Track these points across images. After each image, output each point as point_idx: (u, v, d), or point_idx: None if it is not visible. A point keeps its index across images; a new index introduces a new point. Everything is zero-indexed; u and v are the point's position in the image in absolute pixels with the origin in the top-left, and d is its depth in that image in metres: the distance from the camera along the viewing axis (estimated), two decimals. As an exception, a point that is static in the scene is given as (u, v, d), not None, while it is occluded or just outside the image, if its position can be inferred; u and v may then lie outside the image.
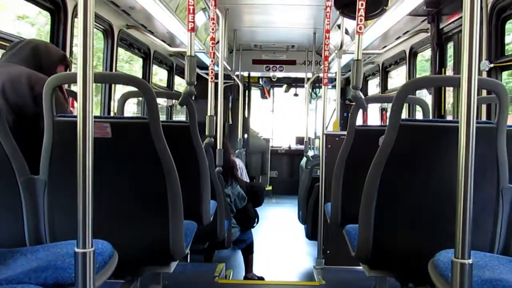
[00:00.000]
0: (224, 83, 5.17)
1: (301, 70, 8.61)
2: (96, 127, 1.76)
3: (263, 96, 10.31)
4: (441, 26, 4.37)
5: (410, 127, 1.91)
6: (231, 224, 3.78)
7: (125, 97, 2.82)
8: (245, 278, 4.38)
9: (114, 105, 4.58)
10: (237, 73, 8.18)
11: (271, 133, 10.40)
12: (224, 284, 3.56)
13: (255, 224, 4.41)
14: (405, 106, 3.52)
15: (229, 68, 7.71)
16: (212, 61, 3.75)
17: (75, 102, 2.95)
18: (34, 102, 2.27)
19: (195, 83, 2.70)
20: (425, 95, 4.86)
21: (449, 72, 4.41)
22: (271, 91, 10.44)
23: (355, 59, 2.68)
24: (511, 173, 1.86)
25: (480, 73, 3.40)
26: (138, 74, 5.85)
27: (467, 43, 1.25)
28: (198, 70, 4.74)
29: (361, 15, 2.77)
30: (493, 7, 3.41)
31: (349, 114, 2.65)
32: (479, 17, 1.26)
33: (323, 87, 4.10)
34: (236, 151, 7.19)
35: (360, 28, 2.73)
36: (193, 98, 2.73)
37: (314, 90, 8.74)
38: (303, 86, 8.87)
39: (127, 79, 2.19)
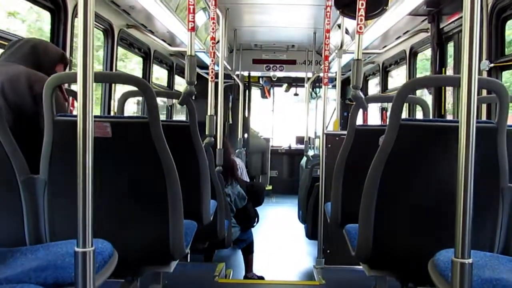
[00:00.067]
0: (224, 82, 5.17)
1: (301, 70, 8.61)
2: (96, 126, 1.76)
3: (263, 95, 10.31)
4: (441, 26, 4.37)
5: (410, 127, 1.91)
6: (231, 224, 3.78)
7: (125, 97, 2.82)
8: (245, 277, 4.38)
9: (114, 105, 4.58)
10: (237, 72, 8.18)
11: (271, 132, 10.39)
12: (224, 283, 3.56)
13: (255, 224, 4.41)
14: (405, 105, 3.52)
15: (229, 68, 7.71)
16: (212, 60, 3.75)
17: (75, 101, 2.95)
18: (34, 101, 2.27)
19: (195, 82, 2.70)
20: (425, 95, 4.86)
21: (450, 71, 4.41)
22: (271, 90, 10.44)
23: (355, 59, 2.68)
24: (511, 173, 1.86)
25: (480, 73, 3.40)
26: (133, 71, 5.85)
27: (467, 43, 1.25)
28: (198, 70, 4.73)
29: (361, 15, 2.77)
30: (493, 7, 3.41)
31: (349, 114, 2.65)
32: (479, 17, 1.26)
33: (323, 86, 4.10)
34: (236, 151, 7.19)
35: (360, 28, 2.73)
36: (193, 98, 2.74)
37: (314, 89, 8.74)
38: (303, 86, 8.87)
39: (127, 79, 2.19)
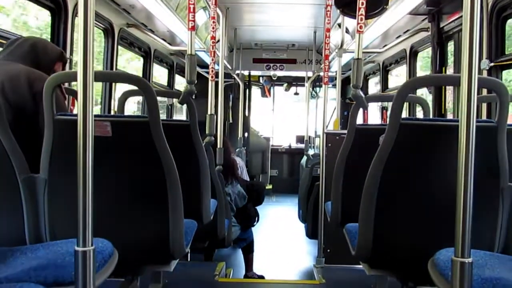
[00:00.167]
0: (225, 82, 5.17)
1: (301, 69, 8.61)
2: (96, 125, 1.76)
3: (264, 95, 10.31)
4: (441, 25, 4.37)
5: (410, 126, 1.91)
6: (231, 223, 3.78)
7: (125, 96, 2.82)
8: (245, 276, 4.38)
9: (115, 104, 4.58)
10: (237, 71, 8.18)
11: (271, 132, 10.39)
12: (224, 283, 3.56)
13: (255, 223, 4.41)
14: (406, 105, 3.52)
15: (230, 67, 7.71)
16: (212, 59, 3.75)
17: (75, 101, 2.95)
18: (33, 99, 2.27)
19: (196, 82, 2.70)
20: (425, 94, 4.86)
21: (450, 71, 4.41)
22: (272, 90, 10.45)
23: (356, 58, 2.68)
24: (511, 172, 1.86)
25: (480, 72, 3.40)
26: (127, 69, 5.85)
27: (468, 42, 1.25)
28: (198, 69, 4.74)
29: (361, 14, 2.77)
30: (494, 6, 3.41)
31: (350, 113, 2.65)
32: (479, 16, 1.26)
33: (323, 86, 4.10)
34: (237, 150, 7.19)
35: (361, 27, 2.73)
36: (194, 97, 2.73)
37: (315, 89, 8.74)
38: (303, 85, 8.87)
39: (127, 78, 2.19)
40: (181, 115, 8.18)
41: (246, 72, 8.90)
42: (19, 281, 1.30)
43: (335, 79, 5.58)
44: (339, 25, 4.63)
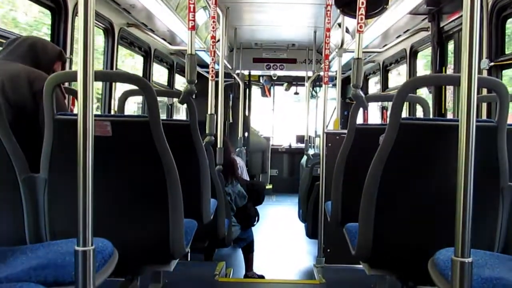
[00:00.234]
0: (225, 81, 5.16)
1: (301, 69, 8.61)
2: (96, 125, 1.76)
3: (264, 94, 10.31)
4: (441, 25, 4.37)
5: (410, 126, 1.91)
6: (231, 223, 3.78)
7: (125, 96, 2.82)
8: (246, 276, 4.38)
9: (115, 104, 4.58)
10: (237, 71, 8.18)
11: (271, 131, 10.40)
12: (224, 282, 3.56)
13: (255, 223, 4.41)
14: (406, 104, 3.52)
15: (230, 67, 7.71)
16: (212, 59, 3.75)
17: (75, 100, 2.95)
18: (33, 99, 2.27)
19: (196, 81, 2.70)
20: (425, 94, 4.86)
21: (450, 70, 4.41)
22: (272, 89, 10.45)
23: (356, 58, 2.68)
24: (511, 172, 1.86)
25: (480, 71, 3.40)
26: (121, 67, 5.84)
27: (467, 42, 1.25)
28: (198, 69, 4.73)
29: (361, 14, 2.77)
30: (494, 6, 3.41)
31: (350, 113, 2.65)
32: (479, 15, 1.26)
33: (323, 85, 4.10)
34: (237, 150, 7.19)
35: (361, 27, 2.73)
36: (194, 97, 2.73)
37: (315, 88, 8.74)
38: (303, 85, 8.86)
39: (127, 78, 2.19)
40: (179, 114, 8.18)
41: (246, 72, 8.90)
42: (19, 281, 1.30)
43: (335, 78, 5.58)
44: (339, 25, 4.63)
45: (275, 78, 9.58)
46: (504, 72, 3.52)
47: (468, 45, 1.25)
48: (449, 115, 4.41)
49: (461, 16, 1.29)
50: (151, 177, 1.99)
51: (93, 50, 1.28)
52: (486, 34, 3.45)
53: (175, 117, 7.40)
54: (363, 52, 2.92)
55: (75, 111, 2.49)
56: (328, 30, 4.05)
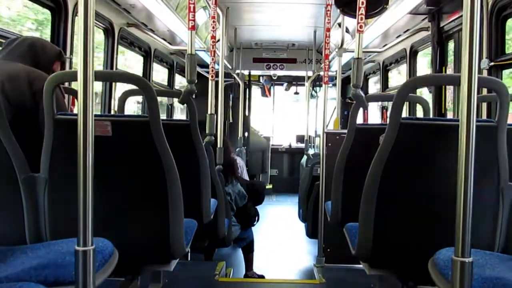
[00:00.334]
0: (225, 81, 5.16)
1: (301, 69, 8.61)
2: (96, 125, 1.76)
3: (264, 94, 10.31)
4: (441, 25, 4.37)
5: (410, 126, 1.91)
6: (231, 222, 3.78)
7: (125, 96, 2.82)
8: (246, 276, 4.38)
9: (115, 104, 4.58)
10: (237, 71, 8.18)
11: (271, 131, 10.40)
12: (224, 282, 3.56)
13: (255, 222, 4.41)
14: (406, 104, 3.52)
15: (230, 67, 7.71)
16: (212, 59, 3.75)
17: (75, 100, 2.95)
18: (33, 98, 2.27)
19: (196, 81, 2.70)
20: (426, 93, 4.86)
21: (450, 70, 4.41)
22: (272, 89, 10.45)
23: (356, 58, 2.68)
24: (511, 171, 1.86)
25: (480, 71, 3.40)
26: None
27: (468, 42, 1.25)
28: (198, 69, 4.74)
29: (361, 14, 2.78)
30: (494, 6, 3.41)
31: (350, 113, 2.65)
32: (479, 15, 1.26)
33: (323, 85, 4.10)
34: (237, 150, 7.19)
35: (361, 27, 2.73)
36: (194, 97, 2.73)
37: (315, 88, 8.74)
38: (303, 85, 8.86)
39: (127, 78, 2.19)
40: (181, 114, 8.18)
41: (246, 72, 8.90)
42: (20, 281, 1.30)
43: (335, 78, 5.58)
44: (339, 25, 4.63)
45: (275, 78, 9.58)
46: (504, 72, 3.52)
47: (468, 45, 1.25)
48: (449, 115, 4.41)
49: (461, 16, 1.29)
50: (151, 177, 1.99)
51: (93, 50, 1.28)
52: (486, 34, 3.45)
53: (175, 117, 7.40)
54: (363, 52, 2.92)
55: (75, 111, 2.49)
56: (328, 30, 4.05)
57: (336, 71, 4.81)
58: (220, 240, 3.48)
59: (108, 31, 4.62)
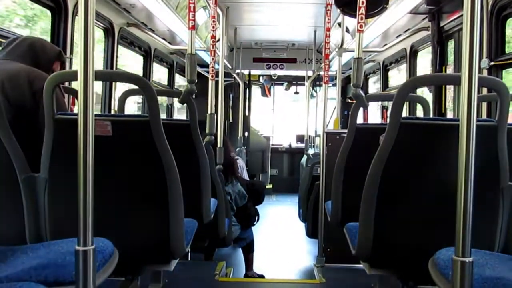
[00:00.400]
0: (225, 81, 5.16)
1: (301, 68, 8.61)
2: (96, 125, 1.76)
3: (264, 94, 10.31)
4: (441, 24, 4.37)
5: (410, 125, 1.91)
6: (231, 222, 3.78)
7: (125, 95, 2.83)
8: (246, 276, 4.38)
9: (115, 103, 4.58)
10: (237, 71, 8.18)
11: (271, 131, 10.40)
12: (224, 282, 3.56)
13: (255, 222, 4.40)
14: (406, 103, 3.52)
15: (230, 66, 7.71)
16: (212, 59, 3.75)
17: (76, 100, 2.95)
18: (33, 98, 2.27)
19: (196, 81, 2.70)
20: (425, 93, 4.86)
21: (450, 70, 4.41)
22: (272, 89, 10.45)
23: (356, 57, 2.68)
24: (511, 171, 1.85)
25: (480, 71, 3.40)
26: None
27: (468, 41, 1.25)
28: (198, 68, 4.74)
29: (361, 13, 2.78)
30: (494, 5, 3.41)
31: (350, 112, 2.65)
32: (479, 15, 1.26)
33: (323, 85, 4.10)
34: (237, 149, 7.19)
35: (361, 26, 2.73)
36: (194, 96, 2.73)
37: (315, 88, 8.74)
38: (303, 84, 8.86)
39: (127, 77, 2.19)
40: (181, 114, 8.18)
41: (246, 72, 8.91)
42: (20, 280, 1.30)
43: (335, 78, 5.58)
44: (339, 24, 4.63)
45: (275, 77, 9.58)
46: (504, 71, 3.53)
47: (468, 45, 1.25)
48: (449, 115, 4.42)
49: (461, 15, 1.29)
50: (151, 177, 1.99)
51: (93, 50, 1.28)
52: (486, 34, 3.45)
53: (175, 117, 7.40)
54: (363, 51, 2.92)
55: (75, 111, 2.49)
56: (328, 29, 4.05)
57: (336, 71, 4.81)
58: (220, 240, 3.48)
59: (108, 31, 4.62)
